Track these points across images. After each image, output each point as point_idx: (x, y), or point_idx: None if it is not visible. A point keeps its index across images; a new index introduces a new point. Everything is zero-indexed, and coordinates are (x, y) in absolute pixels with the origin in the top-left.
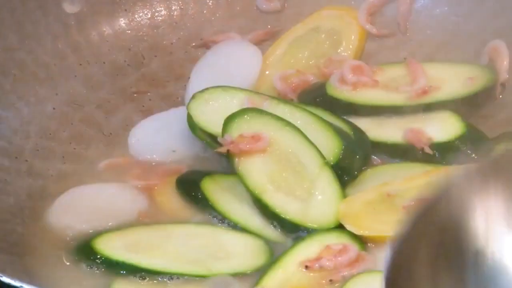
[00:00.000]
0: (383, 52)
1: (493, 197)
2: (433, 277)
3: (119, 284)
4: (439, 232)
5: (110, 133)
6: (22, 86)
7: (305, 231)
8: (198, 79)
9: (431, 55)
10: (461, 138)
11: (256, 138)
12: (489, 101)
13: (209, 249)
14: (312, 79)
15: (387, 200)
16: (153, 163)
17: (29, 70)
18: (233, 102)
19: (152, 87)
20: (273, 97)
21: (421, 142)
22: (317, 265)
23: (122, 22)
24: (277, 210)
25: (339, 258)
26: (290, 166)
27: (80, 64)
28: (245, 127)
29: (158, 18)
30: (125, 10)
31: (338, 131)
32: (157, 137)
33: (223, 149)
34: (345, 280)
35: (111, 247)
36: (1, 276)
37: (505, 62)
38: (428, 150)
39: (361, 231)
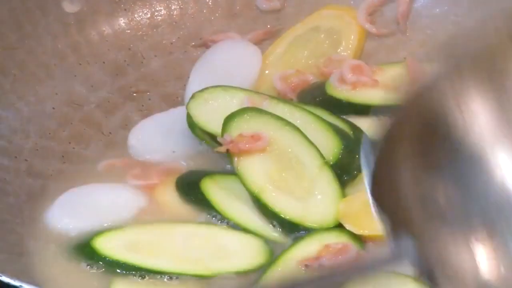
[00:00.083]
0: (382, 52)
1: (471, 90)
2: (414, 169)
3: (118, 284)
4: (420, 125)
5: (110, 133)
6: (22, 85)
7: (305, 231)
8: (198, 78)
9: (431, 55)
10: None
11: (255, 137)
12: None
13: (209, 249)
14: (311, 78)
15: None
16: (153, 163)
17: (29, 70)
18: (233, 102)
19: (151, 87)
20: (272, 97)
21: None
22: (316, 264)
23: (122, 21)
24: (276, 210)
25: (339, 258)
26: (289, 165)
27: (80, 64)
28: (245, 126)
29: (158, 17)
30: (125, 9)
31: (337, 131)
32: (157, 137)
33: (222, 149)
34: None
35: (111, 246)
36: (1, 276)
37: None
38: None
39: (361, 231)
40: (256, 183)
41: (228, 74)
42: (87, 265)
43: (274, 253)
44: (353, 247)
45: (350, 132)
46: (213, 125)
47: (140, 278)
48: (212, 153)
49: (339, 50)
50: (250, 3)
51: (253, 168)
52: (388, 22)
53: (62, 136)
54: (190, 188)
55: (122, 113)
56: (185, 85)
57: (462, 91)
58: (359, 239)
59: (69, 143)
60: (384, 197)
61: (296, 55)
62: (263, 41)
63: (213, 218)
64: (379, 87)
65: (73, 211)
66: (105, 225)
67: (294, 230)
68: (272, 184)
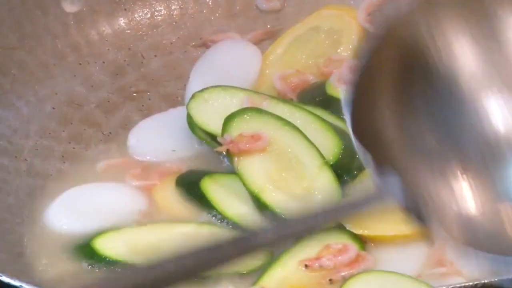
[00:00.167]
0: None
1: (445, 15)
2: (393, 104)
3: None
4: (397, 60)
5: (110, 133)
6: (22, 85)
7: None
8: (198, 78)
9: None
10: None
11: (255, 137)
12: None
13: None
14: (311, 78)
15: None
16: (153, 163)
17: (29, 70)
18: (233, 102)
19: (151, 87)
20: (272, 97)
21: None
22: (317, 264)
23: (122, 21)
24: (276, 210)
25: (339, 258)
26: (289, 165)
27: (80, 64)
28: (245, 126)
29: (158, 17)
30: (125, 9)
31: (337, 131)
32: (157, 137)
33: (222, 149)
34: (345, 279)
35: (111, 246)
36: (1, 276)
37: None
38: None
39: (361, 231)
40: (256, 183)
41: (228, 74)
42: (88, 265)
43: (274, 253)
44: (353, 247)
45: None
46: (213, 125)
47: None
48: (212, 153)
49: (339, 50)
50: (250, 3)
51: (253, 168)
52: None
53: (62, 136)
54: (190, 187)
55: (122, 113)
56: (185, 85)
57: (436, 21)
58: (359, 239)
59: (69, 143)
60: (365, 133)
61: (296, 55)
62: (263, 41)
63: (213, 218)
64: None
65: (73, 211)
66: (105, 225)
67: None
68: (272, 184)
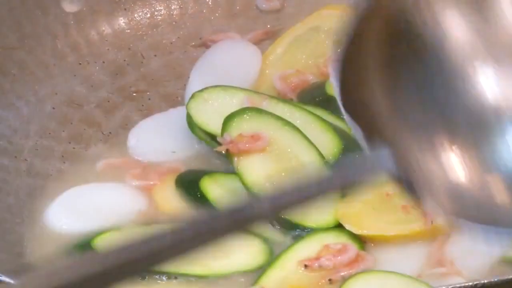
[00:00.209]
0: None
1: None
2: (380, 74)
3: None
4: (384, 28)
5: (110, 133)
6: (22, 85)
7: (304, 230)
8: (198, 78)
9: None
10: None
11: (255, 137)
12: None
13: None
14: (311, 78)
15: (386, 200)
16: (153, 163)
17: (29, 70)
18: (233, 102)
19: (151, 87)
20: (272, 97)
21: None
22: (316, 264)
23: (122, 21)
24: None
25: (339, 258)
26: (289, 165)
27: (80, 64)
28: (245, 126)
29: (158, 17)
30: (125, 9)
31: (337, 131)
32: (157, 137)
33: (222, 148)
34: (345, 279)
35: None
36: (1, 276)
37: None
38: None
39: (360, 231)
40: (256, 183)
41: (228, 74)
42: None
43: (273, 253)
44: (352, 247)
45: (350, 132)
46: (213, 125)
47: (140, 278)
48: (212, 153)
49: (339, 50)
50: (250, 3)
51: (253, 168)
52: None
53: (62, 136)
54: (190, 187)
55: (122, 113)
56: (185, 85)
57: None
58: (359, 239)
59: (69, 143)
60: (354, 106)
61: (296, 55)
62: (263, 41)
63: None
64: None
65: (73, 211)
66: (105, 225)
67: (294, 229)
68: (271, 184)
